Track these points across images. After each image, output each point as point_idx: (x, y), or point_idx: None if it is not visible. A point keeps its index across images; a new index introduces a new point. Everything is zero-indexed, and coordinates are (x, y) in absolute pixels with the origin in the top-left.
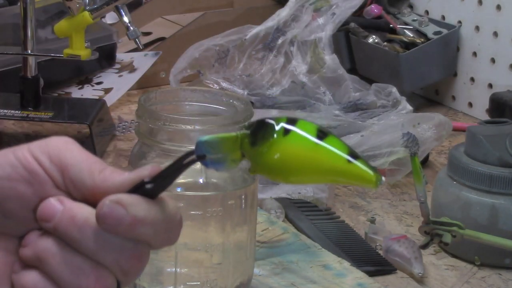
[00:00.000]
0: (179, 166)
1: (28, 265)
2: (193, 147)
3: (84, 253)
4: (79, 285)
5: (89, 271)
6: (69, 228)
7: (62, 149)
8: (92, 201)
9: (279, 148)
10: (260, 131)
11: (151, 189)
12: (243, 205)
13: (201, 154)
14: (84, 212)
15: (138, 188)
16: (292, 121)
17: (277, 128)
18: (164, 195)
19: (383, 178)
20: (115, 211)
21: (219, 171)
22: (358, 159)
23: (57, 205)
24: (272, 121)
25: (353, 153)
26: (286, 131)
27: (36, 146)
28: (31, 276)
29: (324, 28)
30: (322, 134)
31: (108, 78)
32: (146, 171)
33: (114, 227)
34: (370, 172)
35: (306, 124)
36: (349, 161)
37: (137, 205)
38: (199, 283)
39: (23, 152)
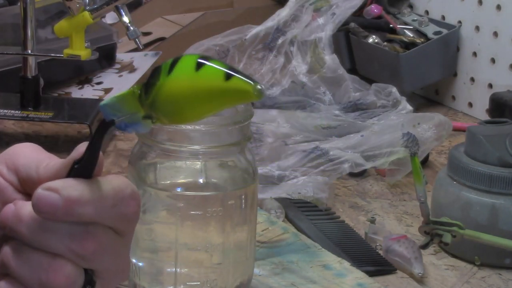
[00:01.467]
0: (98, 137)
1: (2, 273)
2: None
3: (39, 248)
4: (40, 280)
5: (46, 265)
6: (18, 226)
7: (17, 153)
8: None
9: (165, 89)
10: (150, 80)
11: (81, 168)
12: (243, 205)
13: (109, 119)
14: (27, 207)
15: (71, 171)
16: (176, 59)
17: (163, 70)
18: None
19: (262, 86)
20: (47, 197)
21: (140, 132)
22: (235, 75)
23: (10, 208)
24: (160, 66)
25: (230, 71)
26: (169, 71)
27: None
28: (1, 284)
29: (324, 28)
30: (200, 64)
31: (108, 78)
32: (75, 152)
33: (52, 214)
34: (249, 82)
35: (188, 57)
36: (226, 78)
37: (69, 187)
38: (199, 283)
39: None
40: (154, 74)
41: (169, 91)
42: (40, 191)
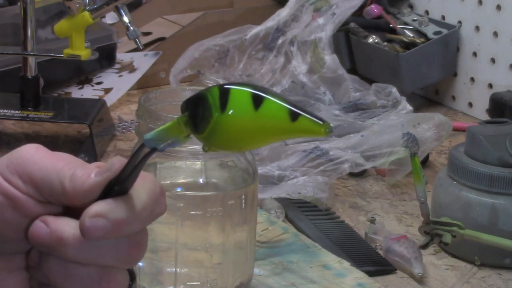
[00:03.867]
0: (140, 163)
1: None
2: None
3: (86, 263)
4: None
5: (97, 277)
6: (62, 249)
7: (28, 162)
8: (72, 206)
9: (224, 126)
10: (197, 112)
11: (121, 190)
12: (243, 205)
13: (152, 147)
14: (69, 229)
15: (109, 191)
16: (225, 92)
17: (212, 104)
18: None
19: (332, 125)
20: (96, 223)
21: (175, 147)
22: (301, 114)
23: (43, 228)
24: (205, 97)
25: (295, 109)
26: (222, 106)
27: (3, 166)
28: None
29: (324, 28)
30: (257, 100)
31: (108, 78)
32: (110, 172)
33: (102, 237)
34: (319, 122)
35: (241, 91)
36: (293, 118)
37: (115, 208)
38: (199, 283)
39: None
40: (200, 105)
41: (229, 129)
42: (88, 220)
